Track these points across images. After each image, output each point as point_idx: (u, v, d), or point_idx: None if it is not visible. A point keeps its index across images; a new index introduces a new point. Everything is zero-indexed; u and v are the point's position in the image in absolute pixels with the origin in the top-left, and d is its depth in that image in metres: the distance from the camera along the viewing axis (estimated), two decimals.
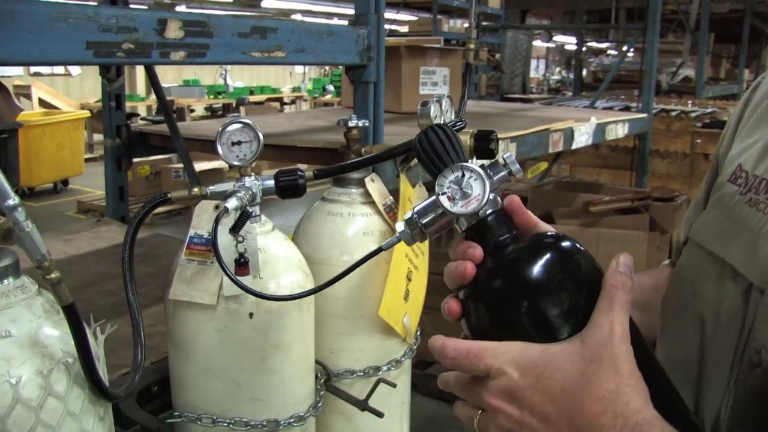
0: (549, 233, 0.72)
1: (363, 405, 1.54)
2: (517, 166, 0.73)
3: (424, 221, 0.74)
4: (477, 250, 0.71)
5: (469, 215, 0.71)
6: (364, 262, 0.82)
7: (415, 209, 0.75)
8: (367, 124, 1.72)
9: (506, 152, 0.76)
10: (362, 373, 1.61)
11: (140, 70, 13.46)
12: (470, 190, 0.70)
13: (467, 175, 0.70)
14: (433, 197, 0.74)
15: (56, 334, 0.93)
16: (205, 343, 1.29)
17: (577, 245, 0.70)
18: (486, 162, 0.74)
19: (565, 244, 0.70)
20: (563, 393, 0.61)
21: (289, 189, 0.95)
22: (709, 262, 0.76)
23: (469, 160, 0.73)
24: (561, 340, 0.65)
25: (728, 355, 0.70)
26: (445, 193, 0.71)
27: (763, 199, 0.72)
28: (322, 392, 1.49)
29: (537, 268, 0.67)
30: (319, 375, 1.51)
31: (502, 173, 0.73)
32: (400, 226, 0.76)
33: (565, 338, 0.65)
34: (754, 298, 0.69)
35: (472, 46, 2.10)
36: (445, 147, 0.73)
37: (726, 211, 0.77)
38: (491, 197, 0.71)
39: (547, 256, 0.68)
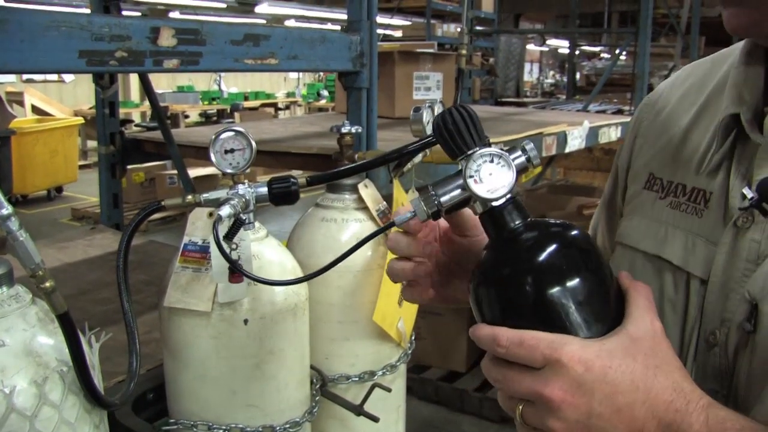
0: (559, 221, 0.74)
1: (358, 410, 1.54)
2: (536, 152, 0.75)
3: (443, 199, 0.75)
4: (434, 249, 0.81)
5: (490, 200, 0.72)
6: (371, 239, 0.81)
7: (432, 185, 0.76)
8: (360, 130, 1.73)
9: (526, 141, 0.76)
10: (357, 378, 1.61)
11: (134, 77, 13.43)
12: (498, 175, 0.71)
13: (496, 160, 0.72)
14: (453, 176, 0.75)
15: (51, 342, 0.94)
16: (200, 350, 1.29)
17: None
18: (504, 147, 0.74)
19: (582, 233, 0.72)
20: (633, 385, 0.63)
21: (282, 196, 0.95)
22: (645, 261, 0.85)
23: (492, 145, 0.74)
24: (594, 332, 0.67)
25: (675, 336, 0.79)
26: (473, 176, 0.72)
27: (684, 201, 0.82)
28: (317, 398, 1.50)
29: (577, 258, 0.69)
30: (314, 380, 1.52)
31: (521, 159, 0.75)
32: (415, 202, 0.76)
33: (598, 331, 0.67)
34: (695, 288, 0.78)
35: (464, 51, 2.11)
36: (468, 128, 0.73)
37: (650, 216, 0.86)
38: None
39: (582, 247, 0.70)
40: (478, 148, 0.72)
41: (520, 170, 0.74)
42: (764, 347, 0.70)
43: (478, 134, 0.73)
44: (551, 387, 0.64)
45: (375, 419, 1.52)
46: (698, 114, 0.87)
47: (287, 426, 1.35)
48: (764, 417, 0.66)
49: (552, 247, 0.69)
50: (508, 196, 0.72)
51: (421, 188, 0.76)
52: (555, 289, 0.66)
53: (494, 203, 0.72)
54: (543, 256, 0.68)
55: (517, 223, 0.72)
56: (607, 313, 0.68)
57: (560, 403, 0.64)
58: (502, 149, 0.73)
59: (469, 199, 0.75)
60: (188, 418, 1.32)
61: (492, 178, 0.72)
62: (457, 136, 0.73)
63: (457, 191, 0.75)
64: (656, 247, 0.84)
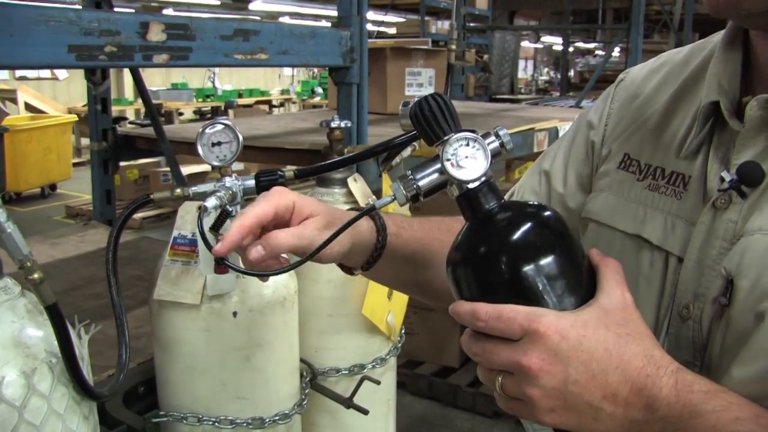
0: (531, 202, 0.77)
1: (348, 402, 1.55)
2: (509, 137, 0.78)
3: (422, 183, 0.77)
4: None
5: (467, 182, 0.74)
6: (354, 222, 0.82)
7: (411, 171, 0.78)
8: (349, 124, 1.74)
9: (499, 126, 0.79)
10: (347, 371, 1.63)
11: (128, 74, 13.40)
12: (474, 158, 0.74)
13: (471, 144, 0.75)
14: (430, 161, 0.77)
15: (40, 334, 0.94)
16: (190, 343, 1.30)
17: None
18: (476, 133, 0.76)
19: (555, 213, 0.75)
20: (607, 353, 0.66)
21: (269, 188, 0.96)
22: (624, 240, 0.87)
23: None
24: (568, 305, 0.70)
25: (650, 310, 0.82)
26: (449, 159, 0.74)
27: (663, 184, 0.85)
28: (307, 390, 1.51)
29: (551, 236, 0.71)
30: (304, 373, 1.53)
31: (495, 144, 0.78)
32: (394, 186, 0.78)
33: (572, 304, 0.70)
34: (672, 266, 0.82)
35: (453, 46, 2.12)
36: (444, 115, 0.75)
37: (627, 196, 0.89)
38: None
39: (555, 225, 0.73)
40: (453, 134, 0.75)
41: (494, 154, 0.77)
42: (738, 319, 0.73)
43: (454, 121, 0.76)
44: (529, 356, 0.66)
45: (365, 412, 1.53)
46: (675, 100, 0.89)
47: (277, 418, 1.36)
48: (735, 383, 0.69)
49: (526, 226, 0.71)
50: (483, 179, 0.75)
51: (402, 175, 0.79)
52: (530, 265, 0.69)
53: (470, 185, 0.75)
54: (518, 234, 0.71)
55: (492, 204, 0.75)
56: (579, 286, 0.71)
57: (538, 372, 0.66)
58: (476, 134, 0.75)
59: (446, 183, 0.77)
60: (178, 411, 1.33)
61: (468, 161, 0.74)
62: (434, 122, 0.75)
63: (435, 175, 0.77)
64: (635, 227, 0.86)
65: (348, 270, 0.97)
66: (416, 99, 0.93)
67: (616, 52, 7.45)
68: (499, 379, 0.69)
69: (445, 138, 0.75)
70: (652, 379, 0.66)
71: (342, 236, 0.83)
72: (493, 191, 0.75)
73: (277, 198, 0.84)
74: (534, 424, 0.75)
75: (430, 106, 0.75)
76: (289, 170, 1.02)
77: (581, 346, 0.66)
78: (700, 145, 0.83)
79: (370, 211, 0.84)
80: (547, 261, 0.69)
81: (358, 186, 1.62)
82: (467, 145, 0.75)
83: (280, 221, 0.84)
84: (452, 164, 0.74)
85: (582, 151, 1.00)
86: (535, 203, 0.77)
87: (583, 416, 0.67)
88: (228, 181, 0.98)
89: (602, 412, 0.67)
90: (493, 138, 0.78)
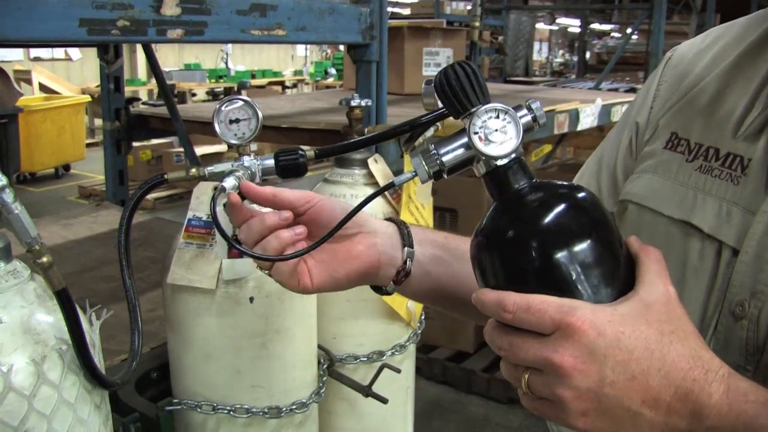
0: (565, 183, 0.69)
1: (367, 391, 1.51)
2: (542, 111, 0.71)
3: (446, 158, 0.72)
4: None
5: (496, 158, 0.68)
6: (373, 198, 0.77)
7: (434, 145, 0.72)
8: (370, 103, 1.68)
9: (532, 99, 0.72)
10: (366, 359, 1.58)
11: (141, 54, 13.38)
12: (504, 132, 0.68)
13: (502, 116, 0.68)
14: (455, 135, 0.71)
15: (49, 320, 0.90)
16: (204, 329, 1.26)
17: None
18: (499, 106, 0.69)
19: (591, 194, 0.68)
20: (648, 352, 0.60)
21: (289, 168, 0.91)
22: (669, 226, 0.81)
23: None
24: (604, 297, 0.63)
25: (696, 306, 0.76)
26: (477, 132, 0.68)
27: (716, 166, 0.78)
28: (324, 378, 1.46)
29: (586, 220, 0.65)
30: (321, 360, 1.49)
31: (528, 118, 0.71)
32: (416, 161, 0.72)
33: (609, 296, 0.64)
34: (726, 258, 0.75)
35: (477, 23, 2.05)
36: (472, 84, 0.69)
37: (674, 178, 0.82)
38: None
39: (591, 209, 0.66)
40: (482, 105, 0.68)
41: (526, 129, 0.70)
42: None
43: (483, 91, 0.69)
44: (561, 353, 0.60)
45: (384, 400, 1.49)
46: (730, 76, 0.83)
47: (293, 407, 1.32)
48: None
49: (559, 208, 0.65)
50: (513, 155, 0.68)
51: (423, 149, 0.73)
52: (562, 252, 0.63)
53: (499, 162, 0.68)
54: (550, 217, 0.64)
55: (522, 183, 0.68)
56: (617, 277, 0.65)
57: (571, 371, 0.60)
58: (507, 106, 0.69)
59: (472, 159, 0.71)
60: (192, 398, 1.29)
61: (497, 135, 0.68)
62: (461, 92, 0.69)
63: (461, 150, 0.72)
64: (683, 212, 0.80)
65: (380, 290, 0.90)
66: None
67: (634, 34, 7.32)
68: (526, 376, 0.63)
69: (473, 110, 0.68)
70: (699, 383, 0.59)
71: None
72: (523, 169, 0.69)
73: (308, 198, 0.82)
74: (562, 427, 0.68)
75: (457, 75, 0.69)
76: (310, 150, 0.97)
77: (619, 344, 0.60)
78: (763, 126, 0.76)
79: (390, 188, 0.77)
80: (581, 247, 0.63)
81: (378, 167, 1.56)
82: (497, 117, 0.68)
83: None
84: (480, 138, 0.67)
85: (627, 142, 0.94)
86: (569, 183, 0.70)
87: (619, 422, 0.61)
88: (246, 160, 0.92)
89: (641, 417, 0.60)
90: (525, 111, 0.71)
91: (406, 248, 0.86)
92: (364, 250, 0.83)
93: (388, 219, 0.90)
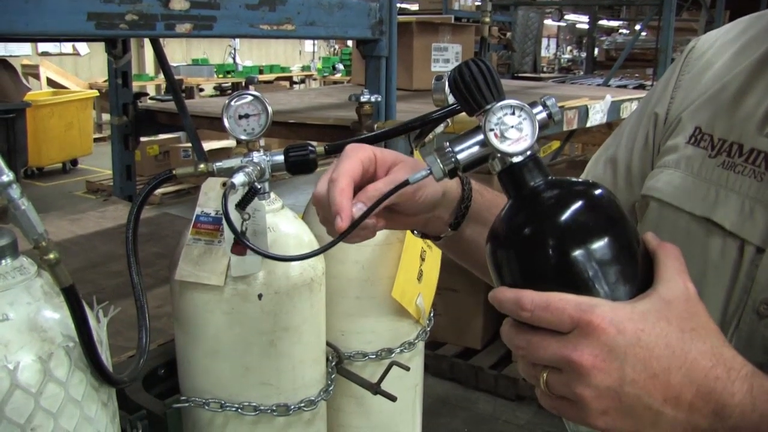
0: (581, 180, 0.69)
1: (375, 388, 1.50)
2: (557, 108, 0.71)
3: (461, 156, 0.71)
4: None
5: (512, 155, 0.68)
6: (392, 194, 0.75)
7: (449, 143, 0.72)
8: (379, 99, 1.67)
9: (547, 96, 0.72)
10: (374, 356, 1.57)
11: (149, 49, 13.39)
12: (520, 129, 0.67)
13: (518, 113, 0.68)
14: (470, 133, 0.71)
15: (56, 317, 0.89)
16: (212, 326, 1.25)
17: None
18: (514, 102, 0.69)
19: (607, 191, 0.67)
20: (669, 349, 0.59)
21: (299, 164, 0.90)
22: (690, 222, 0.80)
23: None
24: (623, 294, 0.63)
25: (716, 304, 0.76)
26: (493, 129, 0.67)
27: (740, 162, 0.77)
28: (333, 375, 1.45)
29: (603, 217, 0.64)
30: (330, 358, 1.47)
31: (543, 114, 0.71)
32: (430, 159, 0.72)
33: (627, 293, 0.63)
34: (749, 256, 0.74)
35: (487, 19, 2.04)
36: (487, 81, 0.68)
37: (697, 174, 0.81)
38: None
39: (607, 206, 0.65)
40: (497, 102, 0.68)
41: (542, 126, 0.69)
42: None
43: (497, 88, 0.68)
44: (580, 351, 0.59)
45: (392, 398, 1.48)
46: (757, 70, 0.81)
47: (302, 404, 1.31)
48: None
49: (576, 205, 0.64)
50: (529, 152, 0.68)
51: (438, 147, 0.72)
52: (580, 249, 0.62)
53: (514, 159, 0.68)
54: (567, 214, 0.63)
55: (538, 181, 0.68)
56: (635, 274, 0.64)
57: (590, 369, 0.59)
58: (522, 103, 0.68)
59: (486, 157, 0.71)
60: (200, 396, 1.28)
61: (513, 132, 0.67)
62: (475, 89, 0.68)
63: (476, 148, 0.71)
64: (704, 209, 0.79)
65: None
66: (449, 73, 0.86)
67: (643, 30, 7.27)
68: (545, 375, 0.62)
69: (488, 106, 0.68)
70: (722, 382, 0.58)
71: (435, 184, 0.78)
72: (539, 166, 0.68)
73: (359, 152, 0.78)
74: (580, 426, 0.67)
75: (471, 72, 0.68)
76: (319, 146, 0.96)
77: (640, 342, 0.59)
78: None
79: (404, 186, 0.76)
80: (599, 245, 0.62)
81: None
82: (513, 113, 0.67)
83: (366, 176, 0.78)
84: (496, 135, 0.67)
85: (644, 134, 0.92)
86: (585, 180, 0.69)
87: (640, 420, 0.60)
88: (256, 156, 0.91)
89: (663, 416, 0.59)
90: (540, 108, 0.71)
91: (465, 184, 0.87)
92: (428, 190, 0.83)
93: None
